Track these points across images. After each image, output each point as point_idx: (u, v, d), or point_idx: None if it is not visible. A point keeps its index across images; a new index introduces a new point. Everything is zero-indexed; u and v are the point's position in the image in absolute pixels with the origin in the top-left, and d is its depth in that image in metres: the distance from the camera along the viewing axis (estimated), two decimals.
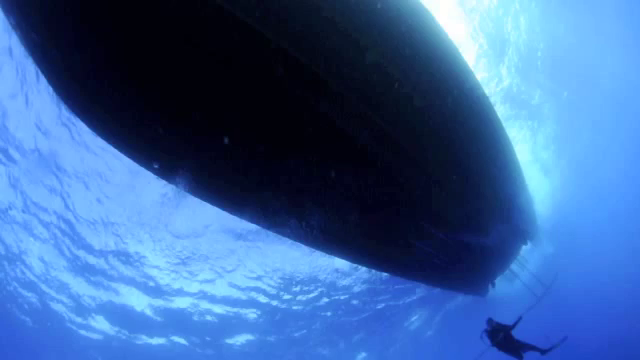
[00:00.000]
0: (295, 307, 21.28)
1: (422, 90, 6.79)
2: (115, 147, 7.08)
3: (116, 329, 20.43)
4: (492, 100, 15.34)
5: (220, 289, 19.14)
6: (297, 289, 20.13)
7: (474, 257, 10.94)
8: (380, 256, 9.36)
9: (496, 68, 17.19)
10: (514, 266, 15.40)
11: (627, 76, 21.13)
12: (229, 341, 22.73)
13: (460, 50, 9.08)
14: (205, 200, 8.16)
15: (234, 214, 8.42)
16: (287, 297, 20.58)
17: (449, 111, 7.61)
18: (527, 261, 16.21)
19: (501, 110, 17.39)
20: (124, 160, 10.13)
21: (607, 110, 23.07)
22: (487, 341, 12.73)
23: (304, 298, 20.96)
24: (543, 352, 13.06)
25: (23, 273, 17.11)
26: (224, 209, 8.33)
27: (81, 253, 16.22)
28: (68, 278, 17.38)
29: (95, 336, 20.95)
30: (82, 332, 20.64)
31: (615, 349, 32.72)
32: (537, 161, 21.48)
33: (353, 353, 27.24)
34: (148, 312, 19.61)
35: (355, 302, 21.60)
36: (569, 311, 32.98)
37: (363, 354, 27.96)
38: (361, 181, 7.23)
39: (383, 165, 6.75)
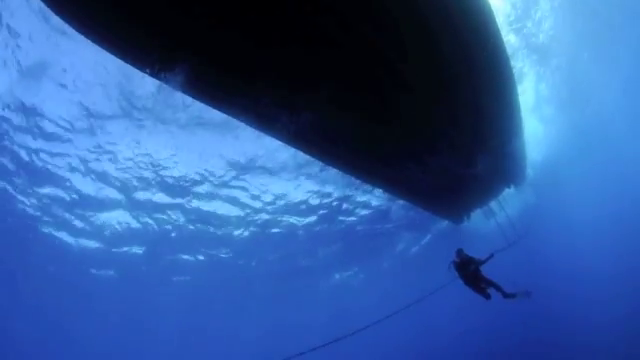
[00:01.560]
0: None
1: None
2: (109, 49, 6.74)
3: None
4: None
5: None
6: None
7: (457, 185, 11.01)
8: (369, 168, 9.35)
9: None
10: (494, 205, 15.63)
11: None
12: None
13: None
14: (198, 97, 8.02)
15: (226, 111, 8.27)
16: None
17: (456, 35, 7.28)
18: (507, 204, 16.45)
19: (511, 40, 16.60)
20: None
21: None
22: (454, 273, 12.17)
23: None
24: (505, 295, 12.65)
25: None
26: (217, 106, 8.18)
27: None
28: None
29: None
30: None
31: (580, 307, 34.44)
32: (538, 110, 21.19)
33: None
34: None
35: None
36: (541, 262, 34.38)
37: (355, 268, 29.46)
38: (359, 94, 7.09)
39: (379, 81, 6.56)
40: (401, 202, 18.73)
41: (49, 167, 15.83)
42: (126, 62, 6.96)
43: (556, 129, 23.63)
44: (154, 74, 7.10)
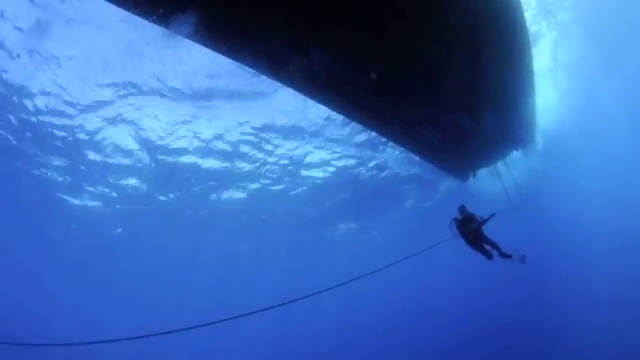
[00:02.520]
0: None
1: None
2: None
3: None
4: None
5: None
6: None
7: (465, 141, 11.06)
8: (377, 116, 9.41)
9: None
10: (500, 166, 15.68)
11: None
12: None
13: None
14: (206, 43, 7.83)
15: (236, 57, 8.22)
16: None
17: None
18: (514, 169, 16.49)
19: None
20: None
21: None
22: (454, 230, 12.21)
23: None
24: (501, 254, 12.68)
25: None
26: (226, 52, 8.05)
27: None
28: None
29: None
30: None
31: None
32: (554, 76, 20.84)
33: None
34: None
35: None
36: (544, 230, 34.65)
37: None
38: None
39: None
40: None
41: None
42: (128, 10, 6.69)
43: (571, 99, 23.32)
44: (159, 21, 6.96)
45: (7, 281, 28.54)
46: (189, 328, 5.68)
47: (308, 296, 6.93)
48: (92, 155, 19.38)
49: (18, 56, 13.39)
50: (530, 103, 14.08)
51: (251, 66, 8.61)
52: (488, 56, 9.26)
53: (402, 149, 14.37)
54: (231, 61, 12.11)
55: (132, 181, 21.64)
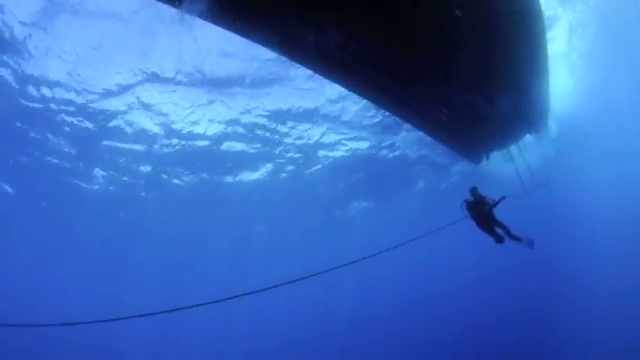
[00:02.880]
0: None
1: None
2: None
3: None
4: None
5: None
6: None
7: (478, 123, 11.04)
8: (390, 95, 9.41)
9: None
10: (513, 150, 15.61)
11: None
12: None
13: None
14: (219, 22, 7.77)
15: (249, 35, 8.16)
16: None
17: None
18: (527, 154, 16.40)
19: None
20: None
21: None
22: (465, 212, 12.09)
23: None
24: (510, 237, 12.56)
25: None
26: (239, 30, 7.96)
27: None
28: None
29: None
30: None
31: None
32: (567, 62, 20.59)
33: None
34: None
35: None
36: (553, 214, 34.47)
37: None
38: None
39: None
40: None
41: None
42: None
43: (586, 86, 23.03)
44: (171, 1, 6.94)
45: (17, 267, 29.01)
46: (208, 303, 5.64)
47: (312, 276, 6.91)
48: (106, 141, 19.72)
49: (29, 37, 13.53)
50: (544, 86, 13.96)
51: (263, 44, 8.53)
52: (503, 37, 9.19)
53: (416, 130, 14.31)
54: (246, 47, 12.41)
55: (146, 166, 21.92)
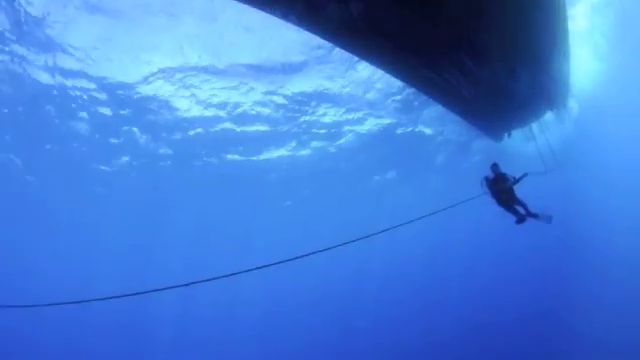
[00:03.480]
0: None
1: None
2: None
3: None
4: None
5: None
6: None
7: (500, 98, 10.96)
8: (412, 68, 9.36)
9: None
10: (534, 128, 15.46)
11: None
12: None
13: None
14: None
15: (265, 8, 8.16)
16: None
17: None
18: (548, 133, 16.22)
19: None
20: None
21: None
22: (485, 189, 12.12)
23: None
24: (530, 214, 12.64)
25: None
26: (256, 3, 7.91)
27: None
28: None
29: None
30: None
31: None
32: (590, 40, 20.19)
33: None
34: None
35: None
36: (573, 194, 34.13)
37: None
38: None
39: None
40: None
41: None
42: None
43: (609, 66, 22.59)
44: None
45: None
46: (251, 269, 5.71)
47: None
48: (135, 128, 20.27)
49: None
50: (564, 63, 13.78)
51: (284, 16, 8.53)
52: (525, 7, 9.08)
53: (438, 106, 14.24)
54: (267, 26, 12.48)
55: (166, 149, 22.39)
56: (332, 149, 24.58)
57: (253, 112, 20.17)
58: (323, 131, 22.57)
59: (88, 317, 34.42)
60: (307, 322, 43.26)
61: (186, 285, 5.04)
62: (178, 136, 21.25)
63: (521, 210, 12.67)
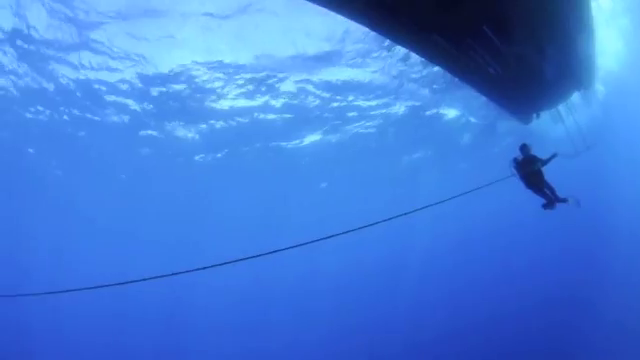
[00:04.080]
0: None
1: None
2: None
3: None
4: None
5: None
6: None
7: (527, 78, 11.15)
8: (436, 47, 9.50)
9: None
10: (562, 109, 15.55)
11: None
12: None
13: None
14: None
15: None
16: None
17: None
18: (576, 112, 16.26)
19: None
20: None
21: None
22: (513, 171, 11.89)
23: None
24: (558, 199, 12.46)
25: None
26: None
27: None
28: None
29: None
30: None
31: None
32: (616, 21, 20.04)
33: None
34: None
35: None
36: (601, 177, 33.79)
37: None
38: None
39: None
40: None
41: None
42: None
43: (635, 47, 22.30)
44: None
45: None
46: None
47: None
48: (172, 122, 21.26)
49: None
50: (591, 43, 13.81)
51: None
52: None
53: (465, 86, 14.31)
54: None
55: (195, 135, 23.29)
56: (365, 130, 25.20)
57: (291, 101, 20.93)
58: (353, 113, 23.17)
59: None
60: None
61: (221, 265, 5.36)
62: (218, 125, 22.11)
63: (550, 194, 12.53)
